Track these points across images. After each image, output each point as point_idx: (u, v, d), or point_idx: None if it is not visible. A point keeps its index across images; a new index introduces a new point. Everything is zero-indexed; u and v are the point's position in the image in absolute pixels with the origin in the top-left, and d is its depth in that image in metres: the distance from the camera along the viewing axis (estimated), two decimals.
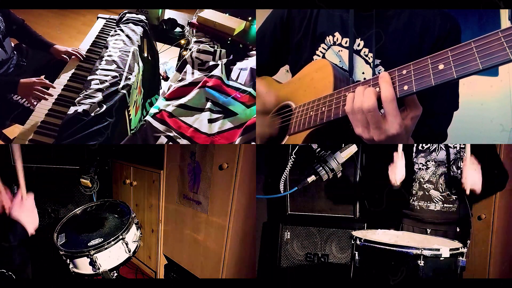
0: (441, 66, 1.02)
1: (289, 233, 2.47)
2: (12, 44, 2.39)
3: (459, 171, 1.79)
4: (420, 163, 1.87)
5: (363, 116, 1.13)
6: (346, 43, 1.51)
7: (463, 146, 1.80)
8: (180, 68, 2.39)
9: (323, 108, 1.32)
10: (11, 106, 2.21)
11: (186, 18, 3.05)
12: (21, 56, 2.47)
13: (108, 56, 2.30)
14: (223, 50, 2.50)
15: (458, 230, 1.79)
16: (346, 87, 1.28)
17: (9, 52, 2.30)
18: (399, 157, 1.76)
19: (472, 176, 1.62)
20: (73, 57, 2.38)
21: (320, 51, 1.58)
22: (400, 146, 1.77)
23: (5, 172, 1.70)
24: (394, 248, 1.46)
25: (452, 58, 1.00)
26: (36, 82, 1.98)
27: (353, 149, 1.35)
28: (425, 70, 1.05)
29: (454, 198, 1.80)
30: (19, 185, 1.55)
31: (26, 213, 1.46)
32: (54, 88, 2.05)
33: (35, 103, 2.00)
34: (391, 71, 1.12)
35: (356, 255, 1.56)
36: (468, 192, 1.62)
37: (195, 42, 2.59)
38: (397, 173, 1.76)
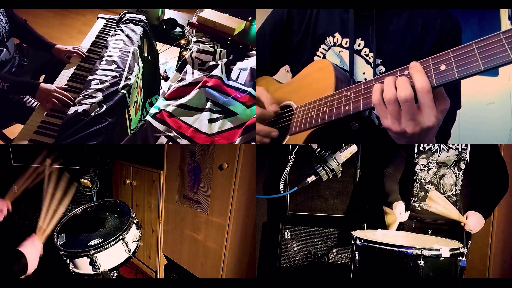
0: (442, 67, 1.02)
1: (289, 233, 2.46)
2: (14, 44, 2.40)
3: (460, 172, 1.80)
4: (422, 164, 1.87)
5: (395, 107, 1.07)
6: (346, 43, 1.51)
7: (465, 146, 1.80)
8: (180, 68, 2.39)
9: (325, 108, 1.32)
10: (11, 106, 2.22)
11: (186, 18, 3.05)
12: (22, 56, 2.47)
13: (108, 56, 2.29)
14: (223, 50, 2.50)
15: (458, 230, 1.79)
16: (347, 87, 1.28)
17: (12, 52, 2.31)
18: (399, 209, 1.84)
19: (473, 223, 1.70)
20: (74, 55, 2.38)
21: (321, 52, 1.58)
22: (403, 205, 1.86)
23: (5, 172, 1.70)
24: (394, 248, 1.46)
25: (453, 59, 1.00)
26: (57, 90, 2.00)
27: (353, 149, 1.35)
28: (428, 71, 1.05)
29: (455, 200, 1.80)
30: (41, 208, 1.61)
31: (35, 253, 1.51)
32: (72, 102, 2.00)
33: (49, 109, 1.98)
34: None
35: (356, 255, 1.56)
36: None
37: (195, 42, 2.58)
38: (395, 221, 1.82)
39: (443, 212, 1.71)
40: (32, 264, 1.48)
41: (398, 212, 1.82)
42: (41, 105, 2.01)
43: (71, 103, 1.98)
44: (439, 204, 1.70)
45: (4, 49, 2.22)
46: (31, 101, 2.25)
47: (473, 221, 1.69)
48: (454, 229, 1.79)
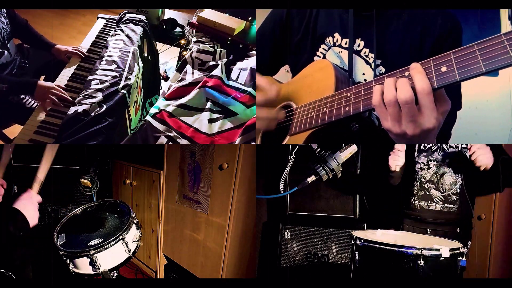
0: (443, 68, 1.02)
1: (289, 233, 2.47)
2: (15, 44, 2.41)
3: (459, 174, 1.80)
4: (422, 163, 1.87)
5: (395, 109, 1.07)
6: (346, 43, 1.51)
7: (464, 146, 1.80)
8: (180, 68, 2.38)
9: (325, 109, 1.32)
10: (11, 106, 2.22)
11: (186, 18, 3.05)
12: (22, 57, 2.48)
13: (108, 56, 2.29)
14: (223, 50, 2.50)
15: (458, 230, 1.79)
16: (347, 88, 1.28)
17: (13, 54, 2.32)
18: (400, 145, 1.77)
19: (481, 153, 1.62)
20: (74, 55, 2.38)
21: (321, 52, 1.58)
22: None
23: (5, 172, 1.70)
24: (394, 248, 1.46)
25: (454, 60, 1.00)
26: (55, 88, 2.00)
27: (353, 149, 1.35)
28: (429, 72, 1.05)
29: (455, 199, 1.80)
30: (33, 181, 1.59)
31: (32, 207, 1.49)
32: (70, 100, 2.00)
33: (48, 108, 1.98)
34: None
35: (356, 255, 1.56)
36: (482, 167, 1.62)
37: (195, 42, 2.58)
38: (397, 160, 1.78)
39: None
40: (31, 215, 1.47)
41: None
42: (40, 103, 2.01)
43: (70, 99, 1.98)
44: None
45: (6, 52, 2.22)
46: (30, 101, 2.25)
47: (482, 151, 1.63)
48: (454, 228, 1.80)
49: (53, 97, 1.98)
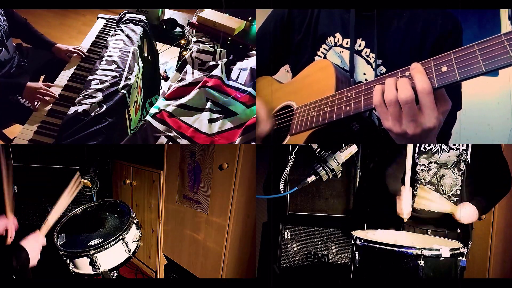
0: (444, 68, 1.02)
1: (289, 233, 2.46)
2: (14, 44, 2.40)
3: (460, 173, 1.79)
4: (422, 164, 1.87)
5: (395, 108, 1.07)
6: (347, 43, 1.51)
7: (465, 147, 1.80)
8: (180, 68, 2.38)
9: (325, 109, 1.32)
10: (11, 105, 2.21)
11: (186, 18, 3.05)
12: (22, 57, 2.47)
13: (108, 56, 2.29)
14: (223, 50, 2.50)
15: (459, 231, 1.79)
16: (348, 88, 1.28)
17: (11, 52, 2.32)
18: (406, 192, 1.77)
19: (465, 213, 1.68)
20: (74, 55, 2.38)
21: (322, 52, 1.58)
22: (408, 180, 1.78)
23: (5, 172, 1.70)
24: (394, 248, 1.46)
25: (455, 60, 1.00)
26: (42, 87, 2.05)
27: (353, 149, 1.35)
28: (429, 72, 1.05)
29: (455, 200, 1.80)
30: (43, 222, 1.68)
31: (36, 248, 1.54)
32: (55, 96, 2.06)
33: (37, 105, 2.02)
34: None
35: (356, 255, 1.56)
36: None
37: (195, 42, 2.58)
38: (404, 208, 1.77)
39: (435, 207, 1.71)
40: (34, 255, 1.51)
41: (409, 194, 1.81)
42: (31, 104, 2.05)
43: (56, 97, 2.04)
44: (427, 199, 1.71)
45: (3, 49, 2.22)
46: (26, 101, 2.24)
47: (465, 212, 1.68)
48: (454, 229, 1.80)
49: (41, 96, 2.02)
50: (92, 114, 1.91)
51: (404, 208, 1.77)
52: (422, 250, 1.42)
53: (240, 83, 2.27)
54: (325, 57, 1.57)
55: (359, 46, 1.49)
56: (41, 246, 1.59)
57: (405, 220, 1.80)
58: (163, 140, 1.92)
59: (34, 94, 2.02)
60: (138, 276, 2.85)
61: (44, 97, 2.02)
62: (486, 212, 1.77)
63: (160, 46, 2.99)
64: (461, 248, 1.49)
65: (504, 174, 1.76)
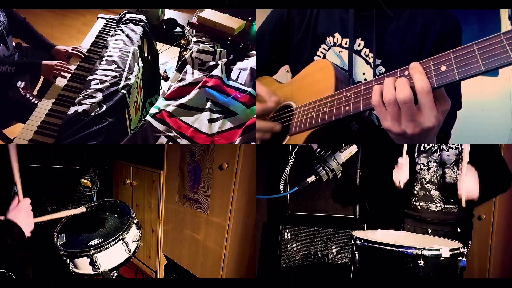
0: (443, 68, 1.02)
1: (289, 233, 2.47)
2: (14, 43, 2.41)
3: (459, 171, 1.79)
4: (422, 163, 1.87)
5: (394, 108, 1.07)
6: (346, 43, 1.51)
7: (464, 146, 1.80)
8: (180, 68, 2.39)
9: (325, 109, 1.32)
10: (11, 105, 2.22)
11: (186, 18, 3.05)
12: (21, 55, 2.47)
13: (108, 56, 2.30)
14: (223, 50, 2.50)
15: (459, 230, 1.79)
16: (347, 88, 1.28)
17: (11, 49, 2.32)
18: (404, 160, 1.76)
19: (468, 184, 1.60)
20: (74, 55, 2.38)
21: (321, 52, 1.58)
22: (405, 149, 1.77)
23: (6, 172, 1.70)
24: (394, 248, 1.46)
25: (454, 59, 1.00)
26: (57, 64, 2.23)
27: (353, 149, 1.35)
28: (428, 72, 1.04)
29: (455, 199, 1.80)
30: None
31: (23, 215, 1.47)
32: (72, 70, 2.25)
33: (56, 81, 2.18)
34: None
35: (356, 255, 1.56)
36: (464, 203, 1.61)
37: (195, 42, 2.58)
38: (401, 175, 1.77)
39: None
40: (26, 225, 1.45)
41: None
42: (49, 79, 2.21)
43: (71, 72, 2.23)
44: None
45: (2, 45, 2.23)
46: (32, 98, 2.25)
47: (469, 186, 1.61)
48: (454, 228, 1.80)
49: (58, 72, 2.19)
50: (92, 114, 1.91)
51: (401, 176, 1.77)
52: (422, 250, 1.41)
53: (240, 83, 2.27)
54: (324, 57, 1.57)
55: (358, 46, 1.49)
56: (27, 207, 1.49)
57: (400, 186, 1.78)
58: (163, 140, 1.93)
59: (51, 70, 2.19)
60: (138, 276, 2.86)
61: (61, 73, 2.19)
62: (482, 200, 1.73)
63: (160, 46, 2.99)
64: (461, 248, 1.49)
65: (504, 173, 1.76)
